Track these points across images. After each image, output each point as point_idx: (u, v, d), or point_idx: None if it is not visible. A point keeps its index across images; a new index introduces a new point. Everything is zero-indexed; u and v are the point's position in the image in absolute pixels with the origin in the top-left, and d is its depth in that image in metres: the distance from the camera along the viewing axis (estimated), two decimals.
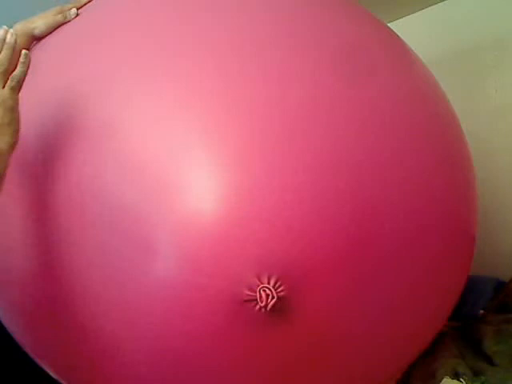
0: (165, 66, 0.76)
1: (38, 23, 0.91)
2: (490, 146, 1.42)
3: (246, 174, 0.68)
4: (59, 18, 0.90)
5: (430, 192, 0.81)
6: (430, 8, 1.60)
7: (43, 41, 0.92)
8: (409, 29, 1.53)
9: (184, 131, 0.71)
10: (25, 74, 0.69)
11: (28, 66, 0.70)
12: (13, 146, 0.68)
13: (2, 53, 0.69)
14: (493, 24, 1.45)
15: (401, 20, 1.65)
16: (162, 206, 0.68)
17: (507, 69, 1.42)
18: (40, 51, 0.90)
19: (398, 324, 0.80)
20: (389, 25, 0.97)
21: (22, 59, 0.70)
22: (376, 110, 0.78)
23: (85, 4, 0.92)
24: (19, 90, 0.69)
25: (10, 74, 0.69)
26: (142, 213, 0.69)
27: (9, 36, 0.71)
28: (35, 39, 0.92)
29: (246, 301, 0.66)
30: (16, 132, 0.68)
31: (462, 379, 0.90)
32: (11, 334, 0.92)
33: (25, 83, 0.78)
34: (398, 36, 0.97)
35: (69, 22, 0.90)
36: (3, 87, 0.68)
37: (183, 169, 0.69)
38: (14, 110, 0.68)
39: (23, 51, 0.70)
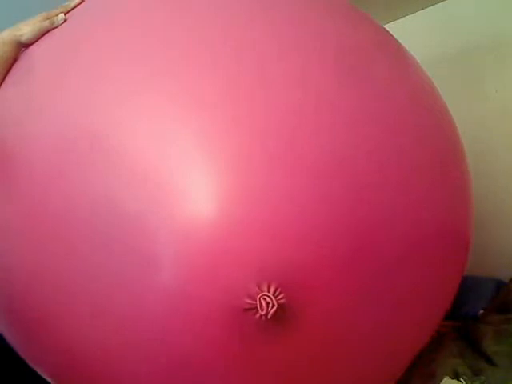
0: (161, 72, 0.75)
1: (25, 30, 0.89)
2: (490, 146, 1.42)
3: (245, 182, 0.68)
4: (46, 24, 0.88)
5: (429, 196, 0.81)
6: (429, 8, 1.59)
7: (31, 48, 0.90)
8: (409, 29, 1.54)
9: (183, 138, 0.70)
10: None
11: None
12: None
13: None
14: (493, 24, 1.45)
15: (401, 20, 1.65)
16: (161, 215, 0.68)
17: (507, 69, 1.42)
18: (28, 58, 0.89)
19: (395, 326, 0.80)
20: (389, 25, 0.97)
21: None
22: (377, 114, 0.78)
23: (72, 9, 0.90)
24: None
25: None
26: (140, 221, 0.68)
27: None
28: (23, 46, 0.90)
29: (246, 309, 0.65)
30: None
31: (461, 379, 0.90)
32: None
33: (16, 92, 0.85)
34: (394, 37, 0.96)
35: (57, 27, 0.88)
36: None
37: (181, 177, 0.68)
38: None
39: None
